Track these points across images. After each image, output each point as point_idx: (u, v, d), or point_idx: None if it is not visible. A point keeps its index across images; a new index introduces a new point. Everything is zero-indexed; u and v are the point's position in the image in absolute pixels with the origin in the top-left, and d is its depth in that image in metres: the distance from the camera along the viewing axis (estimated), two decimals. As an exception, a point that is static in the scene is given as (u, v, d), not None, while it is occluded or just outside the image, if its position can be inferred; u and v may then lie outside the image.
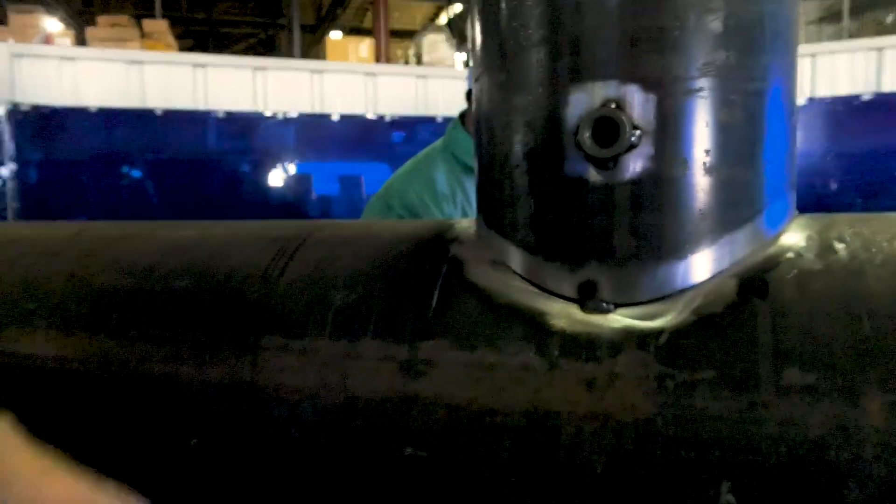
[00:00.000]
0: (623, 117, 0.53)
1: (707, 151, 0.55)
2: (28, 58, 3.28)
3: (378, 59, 7.21)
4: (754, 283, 0.55)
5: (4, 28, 6.59)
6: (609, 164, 0.54)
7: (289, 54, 10.85)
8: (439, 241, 0.70)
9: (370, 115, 3.81)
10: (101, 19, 6.73)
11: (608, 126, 0.54)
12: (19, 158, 3.15)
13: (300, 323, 0.65)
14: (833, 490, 0.48)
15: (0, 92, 3.13)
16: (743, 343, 0.52)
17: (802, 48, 4.53)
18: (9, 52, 3.22)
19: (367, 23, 12.87)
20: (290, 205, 3.98)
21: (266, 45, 15.22)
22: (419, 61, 7.80)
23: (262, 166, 3.84)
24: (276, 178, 3.92)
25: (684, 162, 0.55)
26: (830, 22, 11.21)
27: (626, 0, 0.53)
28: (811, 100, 4.12)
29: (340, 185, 4.15)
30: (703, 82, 0.54)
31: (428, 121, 3.86)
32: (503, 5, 0.60)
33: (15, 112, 3.09)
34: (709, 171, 0.55)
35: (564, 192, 0.58)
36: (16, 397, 0.73)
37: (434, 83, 4.02)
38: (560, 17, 0.56)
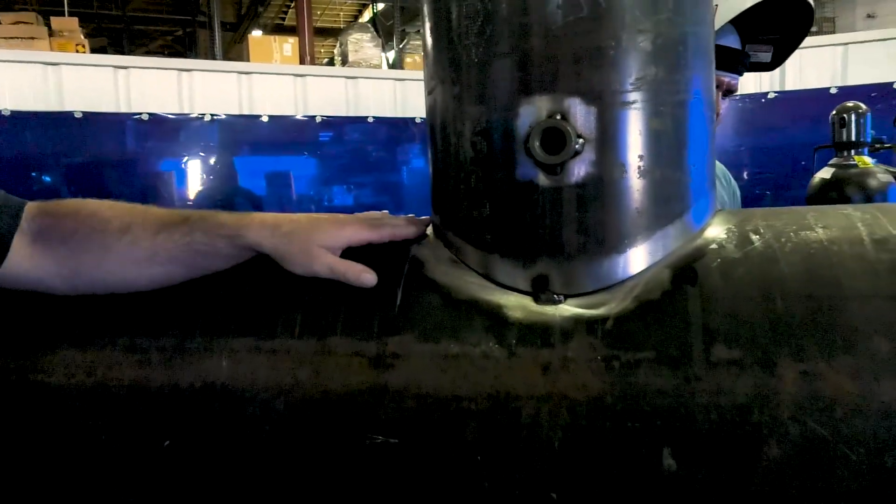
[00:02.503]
0: (568, 128, 0.59)
1: (641, 157, 0.62)
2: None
3: (303, 59, 7.14)
4: (685, 272, 0.63)
5: None
6: (556, 169, 0.61)
7: (209, 52, 10.56)
8: (400, 243, 0.74)
9: (300, 116, 3.80)
10: (4, 16, 6.37)
11: (555, 135, 0.60)
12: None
13: (271, 324, 0.68)
14: (757, 448, 0.56)
15: None
16: (677, 325, 0.59)
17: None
18: None
19: (290, 20, 12.67)
20: (219, 205, 3.91)
21: (184, 42, 14.74)
22: (345, 61, 7.76)
23: (190, 168, 3.77)
24: (204, 178, 3.85)
25: (622, 166, 0.62)
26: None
27: (569, 22, 0.60)
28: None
29: (269, 184, 4.12)
30: (637, 95, 0.61)
31: (359, 121, 3.89)
32: (455, 24, 0.65)
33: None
34: (643, 173, 0.62)
35: (516, 195, 0.63)
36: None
37: (364, 84, 4.05)
38: (510, 37, 0.61)
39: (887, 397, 0.54)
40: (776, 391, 0.56)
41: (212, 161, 3.77)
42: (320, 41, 14.37)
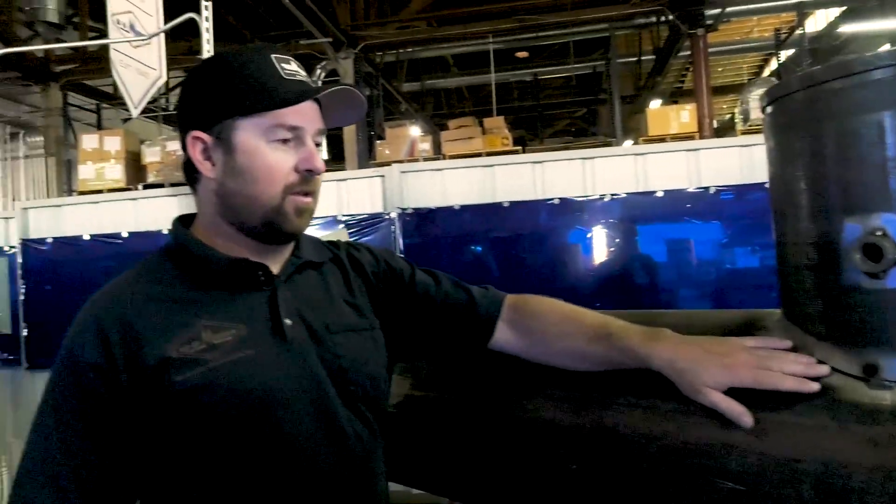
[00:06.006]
0: (887, 244, 0.71)
1: (964, 263, 0.70)
2: (411, 173, 4.29)
3: (701, 125, 7.22)
4: None
5: (383, 141, 8.37)
6: (879, 275, 0.73)
7: (609, 126, 11.38)
8: (750, 329, 0.92)
9: (692, 189, 3.98)
10: (451, 123, 8.09)
11: (875, 248, 0.72)
12: (406, 246, 4.13)
13: (645, 387, 0.92)
14: None
15: (394, 200, 4.19)
16: None
17: None
18: (399, 171, 4.25)
19: (688, 82, 12.81)
20: (617, 272, 4.27)
21: (587, 119, 16.12)
22: (746, 118, 7.56)
23: (592, 242, 4.25)
24: (603, 250, 4.28)
25: (946, 271, 0.70)
26: None
27: (884, 157, 0.72)
28: None
29: (668, 251, 4.34)
30: (959, 210, 0.70)
31: (755, 187, 3.87)
32: (788, 160, 0.83)
33: (403, 214, 4.13)
34: (971, 278, 0.70)
35: (844, 295, 0.77)
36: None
37: (759, 150, 4.01)
38: (832, 170, 0.77)
39: None
40: None
41: (612, 234, 4.19)
42: (720, 99, 14.13)
